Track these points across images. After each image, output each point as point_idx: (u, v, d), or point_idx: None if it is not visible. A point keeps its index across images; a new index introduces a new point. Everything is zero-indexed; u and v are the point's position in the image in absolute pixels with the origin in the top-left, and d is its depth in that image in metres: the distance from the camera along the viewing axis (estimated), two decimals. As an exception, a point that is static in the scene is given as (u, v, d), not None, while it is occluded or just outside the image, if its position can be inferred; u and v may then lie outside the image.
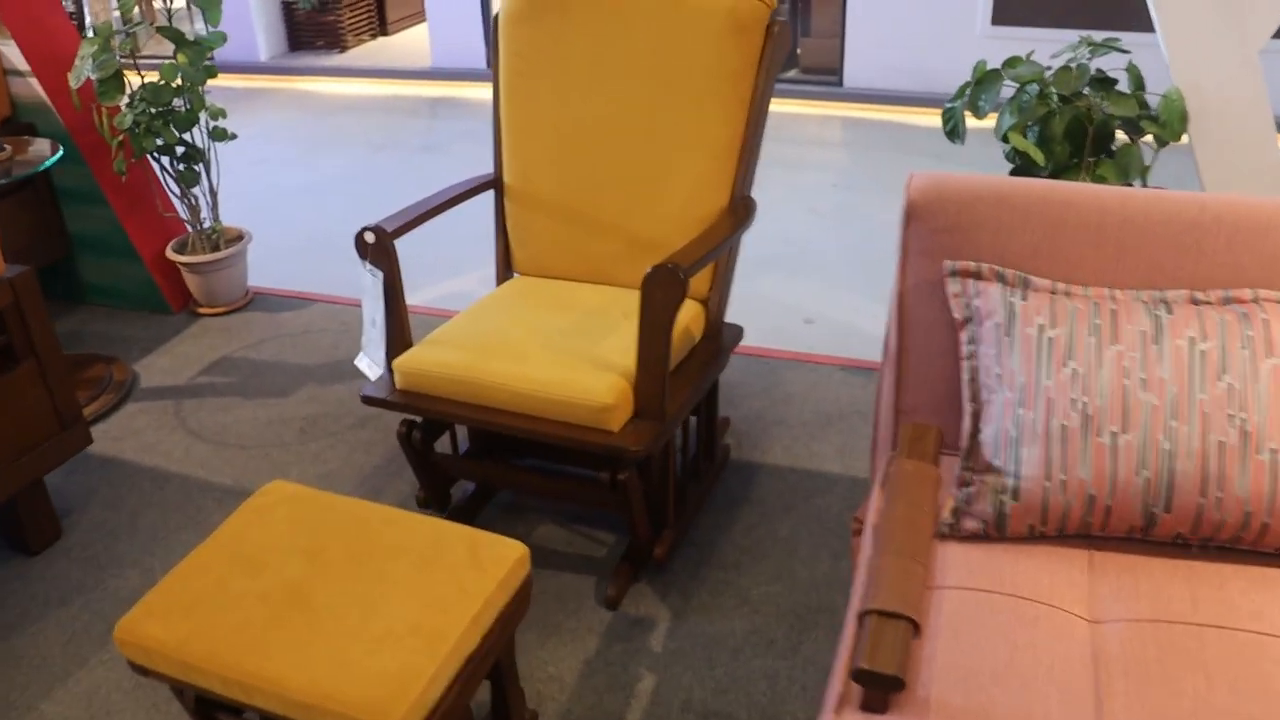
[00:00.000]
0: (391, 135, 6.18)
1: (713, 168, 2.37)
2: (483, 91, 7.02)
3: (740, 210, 2.36)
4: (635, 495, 2.17)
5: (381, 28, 8.56)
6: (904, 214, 1.84)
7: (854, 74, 6.39)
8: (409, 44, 8.35)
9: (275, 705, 1.54)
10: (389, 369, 2.31)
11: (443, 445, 2.67)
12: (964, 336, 1.76)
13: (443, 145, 6.01)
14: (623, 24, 2.39)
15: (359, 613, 1.63)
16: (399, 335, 2.33)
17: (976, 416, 1.72)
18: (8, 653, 2.28)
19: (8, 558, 2.57)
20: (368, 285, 2.28)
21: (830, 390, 3.12)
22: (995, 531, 1.66)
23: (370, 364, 2.32)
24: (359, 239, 2.25)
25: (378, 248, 2.24)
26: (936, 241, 1.81)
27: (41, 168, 2.98)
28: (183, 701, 1.74)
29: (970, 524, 1.67)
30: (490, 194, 2.62)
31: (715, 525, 2.56)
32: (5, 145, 3.07)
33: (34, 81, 3.43)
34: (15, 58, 3.42)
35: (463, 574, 1.70)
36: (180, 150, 3.43)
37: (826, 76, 6.49)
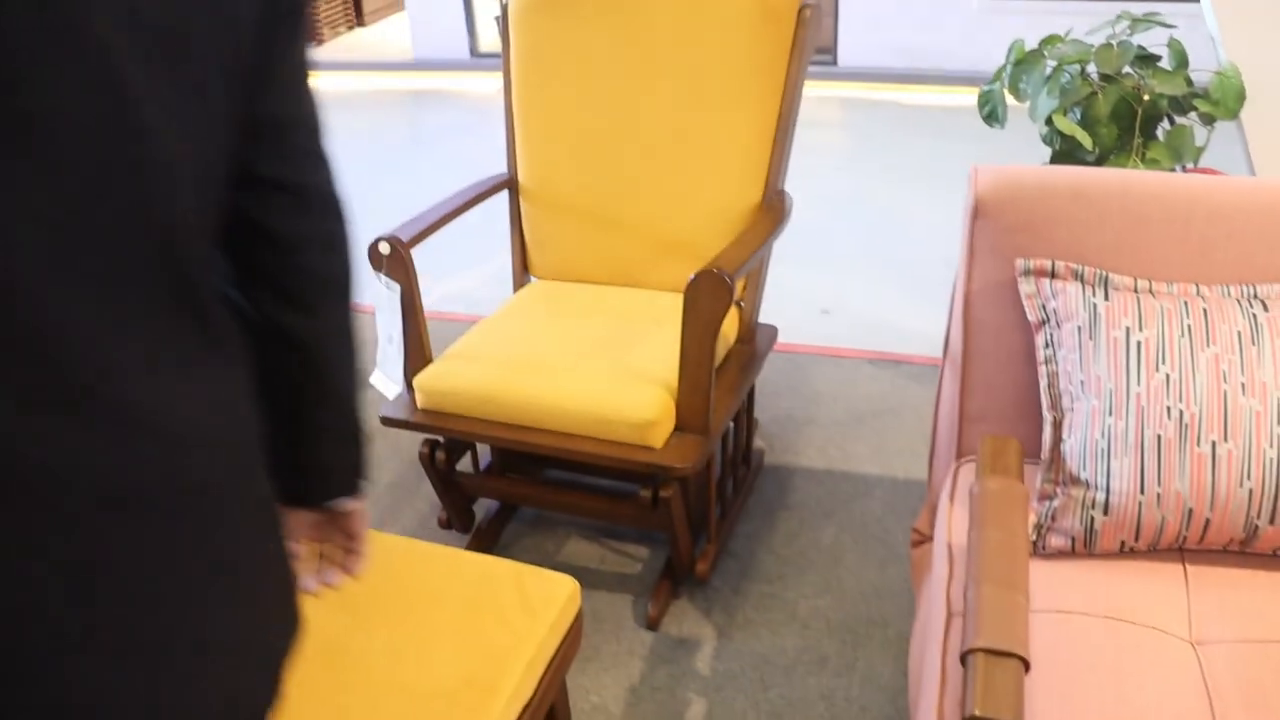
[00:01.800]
0: (376, 130, 6.01)
1: (744, 163, 2.24)
2: (468, 82, 6.86)
3: (775, 206, 2.23)
4: (679, 513, 2.05)
5: (358, 18, 8.37)
6: (970, 211, 1.71)
7: (849, 53, 6.26)
8: (388, 34, 8.16)
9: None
10: (408, 387, 2.17)
11: (463, 462, 2.54)
12: (1040, 340, 1.65)
13: (430, 139, 5.85)
14: (645, 13, 2.25)
15: (404, 666, 1.50)
16: (418, 350, 2.19)
17: (1058, 426, 1.61)
18: None
19: None
20: (383, 299, 2.14)
21: (859, 386, 3.01)
22: (1084, 548, 1.55)
23: (388, 382, 2.18)
24: (373, 250, 2.11)
25: (394, 259, 2.10)
26: (1007, 240, 1.69)
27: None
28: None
29: (1057, 540, 1.56)
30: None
31: (754, 535, 2.44)
32: None
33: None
34: None
35: (513, 617, 1.57)
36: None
37: (821, 55, 6.36)
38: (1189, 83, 2.32)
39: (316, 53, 7.37)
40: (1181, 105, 2.29)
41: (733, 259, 1.93)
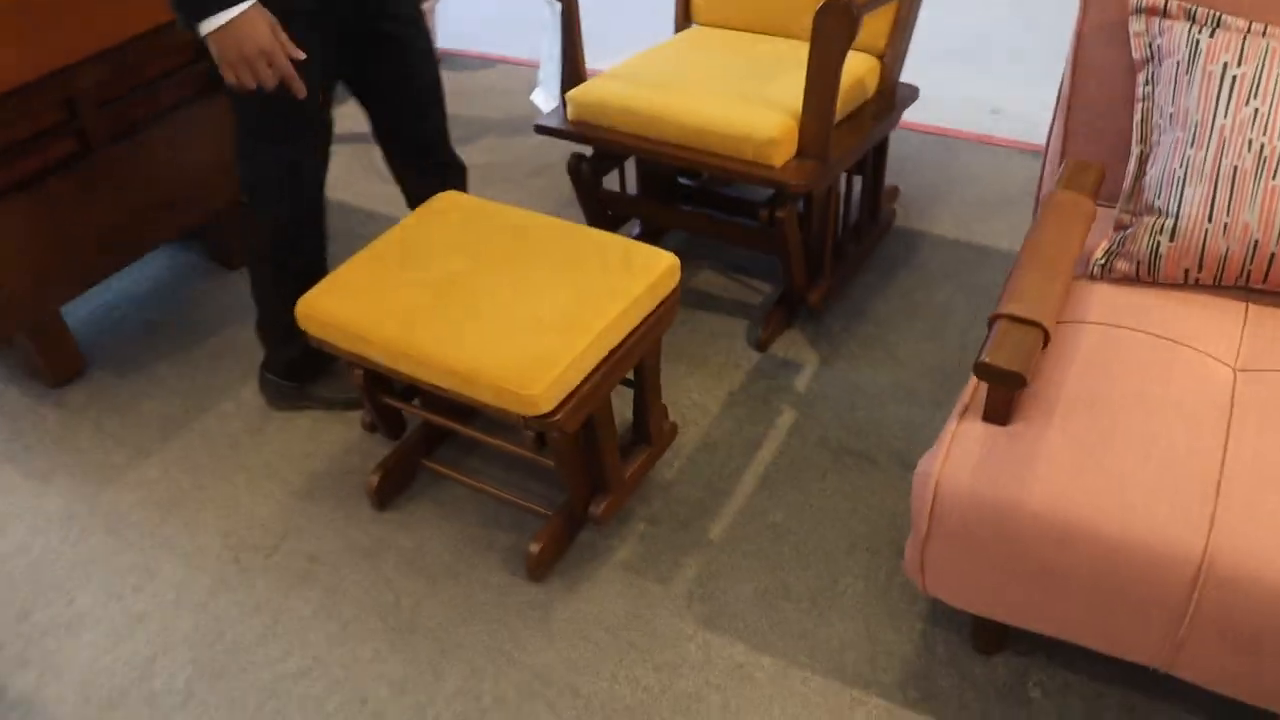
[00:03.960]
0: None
1: None
2: None
3: None
4: (791, 233, 2.20)
5: None
6: (1092, -57, 1.74)
7: None
8: None
9: (432, 376, 1.68)
10: (563, 102, 2.37)
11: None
12: (1141, 78, 1.68)
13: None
14: None
15: (514, 302, 1.74)
16: (574, 70, 2.37)
17: (1143, 159, 1.66)
18: (210, 349, 2.53)
19: (212, 271, 2.83)
20: (547, 18, 2.32)
21: (1010, 172, 3.02)
22: (1148, 274, 1.62)
23: (546, 96, 2.38)
24: None
25: None
26: (1125, -25, 1.71)
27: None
28: (351, 377, 1.92)
29: (1122, 265, 1.64)
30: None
31: (872, 285, 2.57)
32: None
33: None
34: None
35: (614, 276, 1.78)
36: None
37: None
38: None
39: None
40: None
41: None
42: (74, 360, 2.47)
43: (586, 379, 1.68)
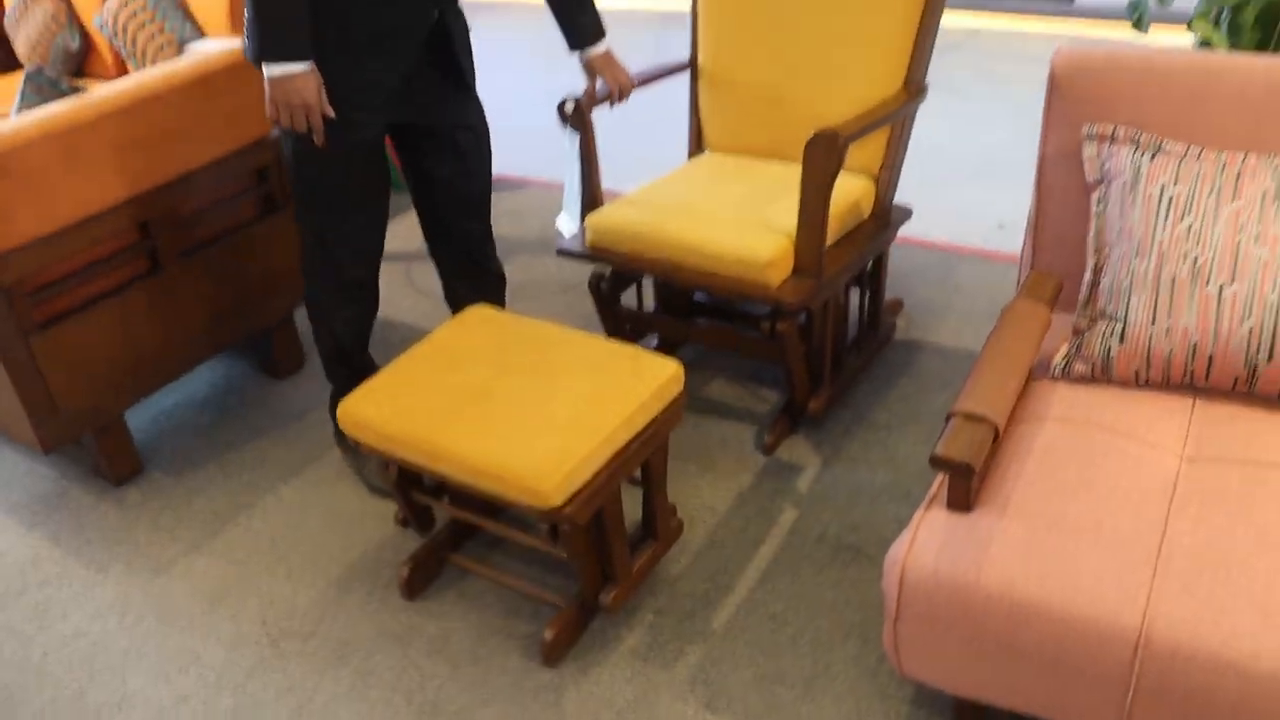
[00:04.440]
0: (626, 47, 6.46)
1: (889, 54, 2.52)
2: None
3: (912, 94, 2.50)
4: (792, 345, 2.38)
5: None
6: (1048, 83, 1.94)
7: (1088, -8, 6.17)
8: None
9: (458, 471, 1.86)
10: (583, 227, 2.59)
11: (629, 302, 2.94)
12: (1095, 197, 1.87)
13: (674, 55, 6.24)
14: None
15: (532, 405, 1.93)
16: (592, 198, 2.61)
17: (1097, 270, 1.84)
18: (256, 451, 2.74)
19: (260, 380, 3.05)
20: (567, 148, 2.56)
21: (1007, 285, 3.20)
22: (1103, 374, 1.78)
23: (569, 221, 2.62)
24: (560, 108, 2.53)
25: (575, 114, 2.51)
26: (1078, 109, 1.91)
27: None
28: (385, 475, 2.10)
29: (1080, 366, 1.80)
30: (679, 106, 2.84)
31: (874, 392, 2.73)
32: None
33: None
34: None
35: (623, 381, 1.96)
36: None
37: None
38: (1345, -5, 2.39)
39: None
40: (1330, 16, 2.36)
41: (849, 125, 2.23)
42: (133, 461, 2.69)
43: (596, 475, 1.85)
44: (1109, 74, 1.87)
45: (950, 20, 6.33)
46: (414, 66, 2.21)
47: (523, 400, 1.94)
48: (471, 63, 2.31)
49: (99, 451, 2.62)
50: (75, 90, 2.57)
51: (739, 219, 2.40)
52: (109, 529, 2.52)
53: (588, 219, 2.53)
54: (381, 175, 2.31)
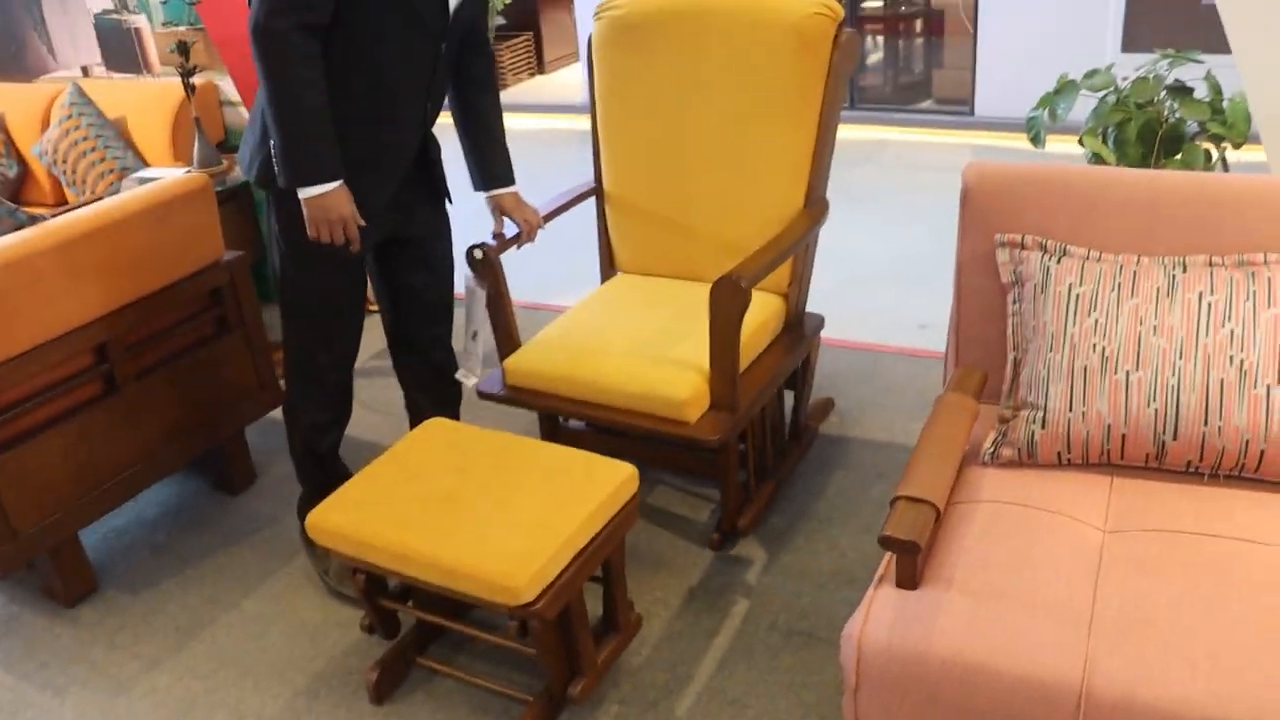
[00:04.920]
0: (544, 166, 6.69)
1: (788, 173, 2.64)
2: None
3: (815, 211, 2.64)
4: (725, 469, 2.53)
5: (539, 66, 9.20)
6: (961, 196, 2.14)
7: (985, 103, 6.60)
8: (564, 81, 8.95)
9: (428, 573, 1.94)
10: (501, 368, 2.63)
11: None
12: (1010, 298, 2.05)
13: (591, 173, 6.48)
14: (703, 44, 2.67)
15: (496, 510, 2.02)
16: (508, 338, 2.67)
17: (1017, 364, 2.01)
18: (214, 566, 2.77)
19: (214, 496, 3.09)
20: (475, 297, 2.58)
21: (934, 380, 3.39)
22: (1028, 458, 1.94)
23: (466, 374, 2.64)
24: (469, 255, 2.56)
25: (485, 264, 2.56)
26: (989, 219, 2.11)
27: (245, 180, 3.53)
28: (353, 583, 2.16)
29: (1007, 452, 1.96)
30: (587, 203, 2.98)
31: (812, 487, 2.87)
32: (223, 160, 3.66)
33: (244, 110, 4.03)
34: (230, 90, 4.03)
35: (580, 486, 2.07)
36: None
37: (958, 106, 6.72)
38: (1216, 110, 2.67)
39: (503, 95, 8.18)
40: (1203, 129, 2.63)
41: (751, 265, 2.36)
42: (88, 580, 2.70)
43: (562, 572, 1.94)
44: (1014, 187, 2.08)
45: (858, 133, 6.70)
46: (404, 181, 2.37)
47: (486, 505, 2.04)
48: (443, 173, 2.49)
49: (54, 571, 2.63)
50: (32, 220, 2.65)
51: (655, 355, 2.46)
52: (63, 650, 2.52)
53: (505, 362, 2.60)
54: (362, 285, 2.46)
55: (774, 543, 2.66)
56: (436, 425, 2.34)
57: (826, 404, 3.18)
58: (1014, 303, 2.04)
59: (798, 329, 2.78)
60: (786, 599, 2.46)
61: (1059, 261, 1.98)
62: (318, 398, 2.53)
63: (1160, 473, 1.91)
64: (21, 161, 4.23)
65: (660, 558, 2.65)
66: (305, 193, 2.14)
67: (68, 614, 2.65)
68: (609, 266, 3.05)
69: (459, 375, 2.67)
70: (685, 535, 2.72)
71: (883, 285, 4.30)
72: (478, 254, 2.56)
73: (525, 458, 2.18)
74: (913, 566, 1.68)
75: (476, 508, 2.04)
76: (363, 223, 2.23)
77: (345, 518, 2.06)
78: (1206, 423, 1.80)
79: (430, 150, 2.44)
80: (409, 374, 2.66)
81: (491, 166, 2.54)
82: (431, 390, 2.66)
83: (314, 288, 2.40)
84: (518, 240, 2.60)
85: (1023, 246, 2.05)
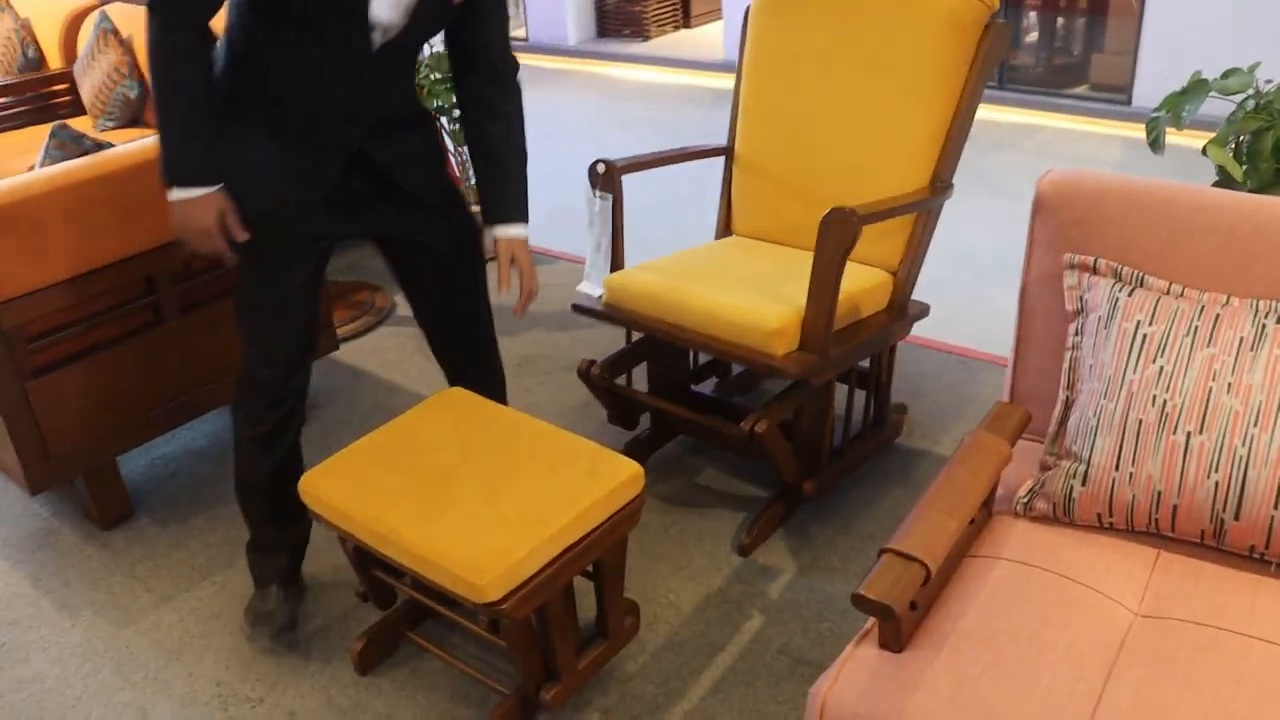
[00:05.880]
0: (674, 122, 6.51)
1: (917, 155, 2.56)
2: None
3: (937, 191, 2.53)
4: (774, 444, 2.36)
5: (685, 20, 8.98)
6: (1032, 206, 1.89)
7: (1144, 93, 6.08)
8: (707, 37, 8.71)
9: (401, 556, 1.85)
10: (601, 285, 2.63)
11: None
12: (1072, 328, 1.81)
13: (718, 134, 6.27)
14: (855, 19, 2.63)
15: (484, 497, 1.91)
16: (616, 259, 2.67)
17: (1068, 405, 1.77)
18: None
19: (265, 433, 3.08)
20: (595, 211, 2.62)
21: (1021, 395, 3.12)
22: (1064, 514, 1.71)
23: (591, 286, 2.64)
24: (592, 169, 2.61)
25: (606, 178, 2.59)
26: (1062, 235, 1.86)
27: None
28: (345, 549, 2.09)
29: (1041, 504, 1.73)
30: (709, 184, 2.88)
31: (864, 499, 2.67)
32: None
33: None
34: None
35: (579, 480, 1.94)
36: (456, 112, 3.88)
37: (1115, 94, 6.22)
38: (1373, 131, 2.31)
39: (644, 47, 8.01)
40: (1354, 151, 2.28)
41: (868, 207, 2.28)
42: (123, 506, 2.72)
43: (538, 573, 1.82)
44: (1095, 200, 1.82)
45: (1005, 115, 6.29)
46: (340, 187, 2.09)
47: (477, 491, 1.93)
48: (432, 181, 2.21)
49: (88, 495, 2.65)
50: (99, 146, 2.64)
51: (752, 290, 2.42)
52: (88, 573, 2.54)
53: (606, 280, 2.57)
54: (306, 288, 2.16)
55: (807, 556, 2.48)
56: (453, 396, 2.24)
57: (898, 410, 2.96)
58: (1075, 334, 1.80)
59: (901, 310, 2.63)
60: (805, 621, 2.28)
61: (1131, 294, 1.72)
62: (247, 399, 2.21)
63: (1217, 553, 1.66)
64: (144, 85, 4.29)
65: (683, 557, 2.50)
66: (172, 194, 1.95)
67: (101, 536, 2.68)
68: (725, 228, 2.97)
69: (582, 287, 2.67)
70: (716, 535, 2.56)
71: (989, 284, 4.00)
72: (600, 168, 2.60)
73: (532, 443, 2.06)
74: (896, 629, 1.49)
75: (466, 493, 1.92)
76: (240, 237, 1.99)
77: (333, 486, 1.98)
78: (1278, 505, 1.54)
79: (380, 160, 2.10)
80: (451, 365, 2.43)
81: (490, 199, 2.20)
82: (473, 384, 2.39)
83: (249, 278, 2.14)
84: (519, 301, 2.27)
85: (1094, 271, 1.80)
